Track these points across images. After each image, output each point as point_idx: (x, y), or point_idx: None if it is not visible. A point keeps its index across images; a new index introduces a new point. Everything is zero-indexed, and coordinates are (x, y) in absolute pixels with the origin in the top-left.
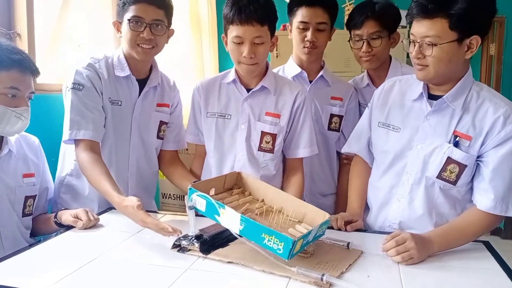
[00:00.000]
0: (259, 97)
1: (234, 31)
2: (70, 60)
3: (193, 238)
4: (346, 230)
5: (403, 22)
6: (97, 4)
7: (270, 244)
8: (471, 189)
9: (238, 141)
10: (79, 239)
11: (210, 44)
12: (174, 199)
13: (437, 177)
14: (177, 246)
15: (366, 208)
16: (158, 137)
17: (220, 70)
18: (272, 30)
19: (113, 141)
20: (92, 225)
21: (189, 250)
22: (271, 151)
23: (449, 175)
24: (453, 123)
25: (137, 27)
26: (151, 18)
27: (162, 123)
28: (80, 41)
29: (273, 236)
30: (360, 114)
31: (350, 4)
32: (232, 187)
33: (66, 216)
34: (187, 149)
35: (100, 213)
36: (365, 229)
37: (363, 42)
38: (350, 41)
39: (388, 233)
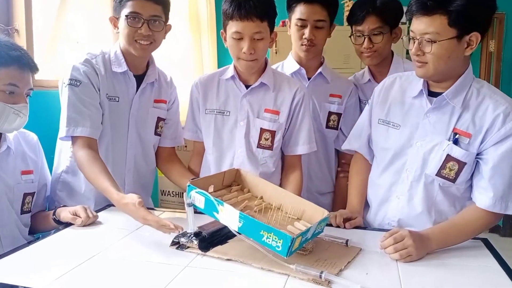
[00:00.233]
0: (258, 94)
1: (233, 26)
2: (69, 57)
3: (192, 235)
4: (345, 227)
5: (403, 18)
6: (96, 1)
7: (269, 241)
8: (471, 186)
9: (237, 138)
10: (77, 237)
11: (209, 40)
12: (173, 196)
13: (436, 175)
14: (176, 244)
15: (366, 205)
16: (156, 133)
17: (219, 67)
18: (272, 26)
19: (110, 137)
20: (91, 222)
21: (188, 247)
22: (270, 148)
23: (449, 172)
24: (452, 121)
25: (134, 23)
26: (149, 14)
27: (159, 119)
28: (79, 38)
29: (272, 233)
30: (361, 111)
31: (349, 0)
32: (231, 184)
33: (64, 213)
34: (185, 146)
35: (98, 210)
36: (365, 226)
37: (364, 38)
38: (351, 36)
39: (387, 230)
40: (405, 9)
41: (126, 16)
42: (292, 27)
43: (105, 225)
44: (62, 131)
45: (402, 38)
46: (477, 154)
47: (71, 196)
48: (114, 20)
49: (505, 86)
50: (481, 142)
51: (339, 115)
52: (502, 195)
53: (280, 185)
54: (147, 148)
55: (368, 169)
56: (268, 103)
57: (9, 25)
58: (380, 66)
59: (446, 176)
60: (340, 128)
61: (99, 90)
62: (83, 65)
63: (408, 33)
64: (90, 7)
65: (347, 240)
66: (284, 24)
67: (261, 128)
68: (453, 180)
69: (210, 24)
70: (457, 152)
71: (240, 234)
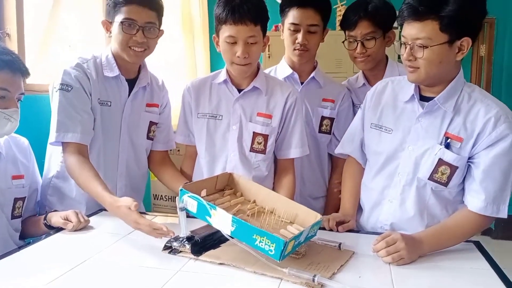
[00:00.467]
0: (251, 98)
1: (227, 31)
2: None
3: (184, 240)
4: (337, 231)
5: (395, 23)
6: (88, 4)
7: (262, 245)
8: (463, 190)
9: (230, 142)
10: (69, 241)
11: (202, 44)
12: (166, 200)
13: (428, 179)
14: (168, 248)
15: (359, 209)
16: (148, 137)
17: (212, 70)
18: (264, 30)
19: (102, 142)
20: (82, 227)
21: (180, 251)
22: (263, 152)
23: (441, 176)
24: (444, 125)
25: (129, 30)
26: (144, 21)
27: (151, 123)
28: (71, 42)
29: (265, 237)
30: (354, 115)
31: (341, 5)
32: (223, 188)
33: (56, 218)
34: (178, 150)
35: (90, 215)
36: (357, 229)
37: (357, 43)
38: (345, 42)
39: (380, 233)
40: (398, 13)
41: (121, 22)
42: (285, 31)
43: (96, 230)
44: (52, 136)
45: (393, 43)
46: (469, 158)
47: (62, 201)
48: (107, 24)
49: (496, 90)
50: (473, 146)
51: (331, 119)
52: (493, 198)
53: (273, 189)
54: (139, 153)
55: (361, 173)
56: (261, 107)
57: (0, 29)
58: (375, 70)
59: (438, 180)
60: (333, 133)
61: (90, 95)
62: (74, 70)
63: (400, 38)
64: (82, 10)
65: (340, 244)
66: (276, 29)
67: (253, 132)
68: (445, 184)
69: (203, 28)
70: (449, 156)
71: (232, 238)
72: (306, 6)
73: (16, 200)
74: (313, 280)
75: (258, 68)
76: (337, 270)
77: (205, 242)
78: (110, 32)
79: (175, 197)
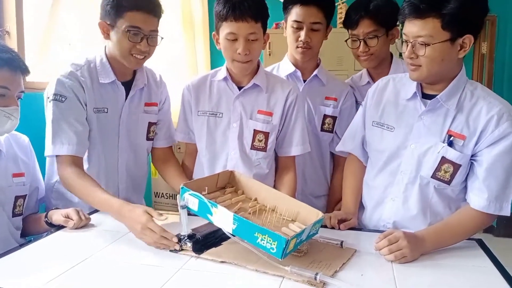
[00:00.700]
0: (251, 95)
1: (227, 28)
2: (61, 59)
3: (186, 238)
4: (339, 229)
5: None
6: (88, 3)
7: (263, 243)
8: (465, 188)
9: (230, 140)
10: (70, 239)
11: (203, 42)
12: (167, 198)
13: (431, 177)
14: None
15: (361, 207)
16: (148, 138)
17: (212, 68)
18: (265, 27)
19: (100, 148)
20: (83, 224)
21: (182, 249)
22: (263, 149)
23: (444, 174)
24: (447, 123)
25: (135, 39)
26: (149, 29)
27: (150, 124)
28: (71, 40)
29: (266, 235)
30: None
31: (342, 3)
32: (225, 186)
33: (56, 216)
34: (179, 148)
35: (91, 213)
36: (360, 227)
37: (360, 42)
38: (348, 40)
39: (382, 231)
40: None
41: (128, 31)
42: (288, 29)
43: (97, 228)
44: (48, 149)
45: (395, 41)
46: (472, 156)
47: (67, 206)
48: (105, 27)
49: (498, 88)
50: (476, 144)
51: (334, 118)
52: (496, 196)
53: (274, 187)
54: (139, 154)
55: (363, 171)
56: (261, 105)
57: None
58: (379, 68)
59: (441, 178)
60: (335, 131)
61: (85, 105)
62: (67, 79)
63: (401, 36)
64: (82, 9)
65: (341, 242)
66: (277, 26)
67: (254, 130)
68: (448, 182)
69: (203, 26)
70: (452, 154)
71: (234, 236)
72: (309, 3)
73: (17, 198)
74: (315, 278)
75: (259, 65)
76: (339, 268)
77: (206, 240)
78: (108, 35)
79: (176, 195)
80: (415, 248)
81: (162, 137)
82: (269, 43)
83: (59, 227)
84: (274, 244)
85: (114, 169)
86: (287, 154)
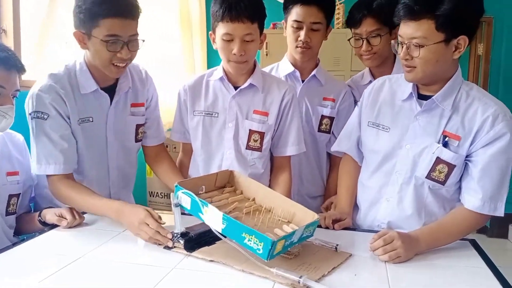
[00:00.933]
0: (247, 95)
1: (223, 28)
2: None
3: (179, 236)
4: (334, 229)
5: None
6: None
7: (250, 243)
8: (460, 188)
9: (226, 140)
10: (63, 238)
11: (200, 41)
12: (162, 198)
13: (426, 177)
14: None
15: (356, 207)
16: (137, 140)
17: (209, 68)
18: (261, 28)
19: (89, 157)
20: (77, 223)
21: (175, 247)
22: (259, 149)
23: (438, 175)
24: (442, 123)
25: (114, 47)
26: (128, 35)
27: (138, 126)
28: (68, 39)
29: (253, 236)
30: None
31: (340, 3)
32: (224, 185)
33: (50, 215)
34: (175, 147)
35: (85, 212)
36: (354, 227)
37: (363, 41)
38: (350, 39)
39: (377, 231)
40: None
41: (105, 40)
42: (288, 28)
43: (91, 227)
44: (34, 168)
45: (390, 43)
46: (467, 156)
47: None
48: (81, 36)
49: (493, 89)
50: (471, 144)
51: (331, 119)
52: (490, 196)
53: (269, 187)
54: (129, 156)
55: (358, 171)
56: (257, 105)
57: None
58: (382, 67)
59: (436, 178)
60: (332, 132)
61: (69, 119)
62: (47, 95)
63: (397, 37)
64: None
65: (336, 245)
66: (274, 27)
67: (250, 130)
68: (443, 183)
69: (200, 25)
70: (446, 155)
71: (223, 235)
72: (310, 3)
73: (10, 196)
74: (299, 282)
75: (255, 65)
76: (327, 272)
77: (200, 239)
78: (86, 45)
79: (170, 194)
80: (409, 248)
81: (152, 135)
82: (266, 43)
83: (53, 226)
84: (260, 245)
85: (105, 176)
86: (283, 154)
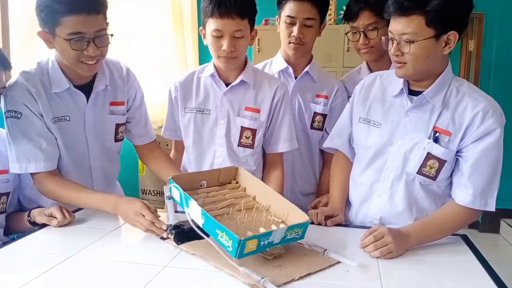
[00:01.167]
0: (238, 92)
1: (213, 24)
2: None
3: (171, 228)
4: (326, 225)
5: None
6: None
7: (222, 240)
8: (451, 184)
9: (218, 137)
10: (54, 237)
11: (192, 37)
12: (154, 195)
13: (417, 173)
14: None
15: (348, 203)
16: (116, 140)
17: (201, 64)
18: (252, 24)
19: (68, 158)
20: (68, 222)
21: (167, 238)
22: (251, 146)
23: (429, 170)
24: (433, 119)
25: (79, 45)
26: (93, 31)
27: (118, 125)
28: None
29: (224, 233)
30: None
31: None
32: (230, 181)
33: (40, 215)
34: (167, 145)
35: (75, 211)
36: (346, 224)
37: (360, 34)
38: (348, 33)
39: (369, 227)
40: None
41: (68, 39)
42: (281, 24)
43: (82, 226)
44: (14, 167)
45: (381, 39)
46: (457, 152)
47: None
48: (45, 36)
49: (484, 85)
50: (461, 140)
51: (324, 116)
52: (481, 191)
53: None
54: (111, 155)
55: (349, 167)
56: (249, 101)
57: None
58: (380, 62)
59: (427, 174)
60: (325, 129)
61: (42, 116)
62: (18, 93)
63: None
64: None
65: (325, 250)
66: (266, 23)
67: (241, 127)
68: (434, 178)
69: (192, 21)
70: (437, 150)
71: (201, 230)
72: None
73: (0, 195)
74: (260, 282)
75: (246, 62)
76: (298, 277)
77: (191, 233)
78: (51, 44)
79: (164, 187)
80: (400, 244)
81: (139, 134)
82: (259, 39)
83: (43, 225)
84: (229, 242)
85: (88, 176)
86: (275, 150)
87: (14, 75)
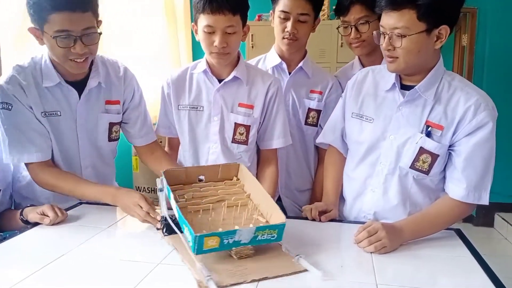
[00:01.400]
0: (232, 88)
1: (204, 20)
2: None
3: (163, 219)
4: (320, 221)
5: None
6: None
7: (186, 235)
8: (444, 178)
9: (211, 133)
10: (46, 235)
11: (185, 33)
12: (148, 192)
13: (410, 167)
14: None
15: (342, 199)
16: (110, 139)
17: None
18: (244, 19)
19: (58, 153)
20: (60, 220)
21: (159, 229)
22: (245, 142)
23: (422, 165)
24: (425, 113)
25: (66, 43)
26: (81, 28)
27: (112, 124)
28: None
29: (187, 228)
30: None
31: None
32: (231, 178)
33: (32, 214)
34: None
35: (68, 209)
36: (341, 219)
37: (351, 28)
38: (339, 28)
39: (363, 223)
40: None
41: (55, 36)
42: (275, 19)
43: (75, 224)
44: (6, 157)
45: (373, 33)
46: (450, 146)
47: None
48: (36, 32)
49: (477, 80)
50: (453, 134)
51: (318, 112)
52: (475, 185)
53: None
54: (103, 154)
55: (343, 162)
56: (242, 97)
57: None
58: (372, 56)
59: (420, 168)
60: (320, 125)
61: (31, 108)
62: (9, 85)
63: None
64: None
65: (298, 256)
66: (260, 19)
67: (235, 123)
68: (427, 172)
69: (185, 18)
70: (430, 145)
71: (175, 224)
72: None
73: None
74: (204, 282)
75: (239, 58)
76: (251, 280)
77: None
78: (42, 40)
79: (157, 180)
80: (394, 238)
81: (137, 135)
82: (252, 35)
83: (35, 223)
84: (189, 237)
85: (78, 174)
86: (269, 147)
87: (6, 73)
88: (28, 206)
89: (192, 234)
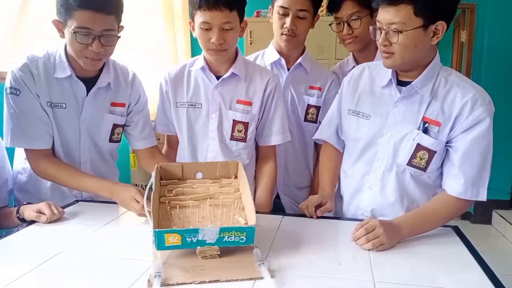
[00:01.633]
0: (230, 85)
1: (201, 16)
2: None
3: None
4: (317, 217)
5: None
6: None
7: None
8: (442, 174)
9: (210, 131)
10: (43, 233)
11: (183, 30)
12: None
13: (407, 164)
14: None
15: (340, 197)
16: (111, 140)
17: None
18: (241, 15)
19: (59, 145)
20: (57, 218)
21: None
22: (243, 140)
23: (419, 161)
24: (422, 109)
25: (84, 40)
26: (101, 29)
27: (115, 126)
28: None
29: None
30: None
31: None
32: (230, 176)
33: (28, 212)
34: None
35: (65, 206)
36: (338, 216)
37: (344, 24)
38: (332, 24)
39: (361, 220)
40: None
41: (75, 32)
42: (274, 14)
43: (72, 221)
44: (6, 141)
45: (369, 28)
46: (447, 142)
47: (30, 199)
48: (58, 25)
49: (476, 76)
50: (450, 130)
51: (318, 108)
52: (472, 181)
53: (255, 177)
54: (103, 155)
55: (339, 156)
56: (240, 94)
57: None
58: (365, 52)
59: (417, 165)
60: (319, 121)
61: (38, 97)
62: (20, 71)
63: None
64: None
65: (260, 261)
66: (258, 15)
67: (233, 120)
68: (424, 169)
69: (183, 14)
70: (427, 141)
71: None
72: None
73: None
74: (149, 280)
75: (237, 54)
76: (200, 281)
77: None
78: (63, 33)
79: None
80: (392, 235)
81: (137, 138)
82: (250, 31)
83: (32, 221)
84: (152, 233)
85: (77, 167)
86: (267, 143)
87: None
88: (24, 204)
89: (154, 230)
